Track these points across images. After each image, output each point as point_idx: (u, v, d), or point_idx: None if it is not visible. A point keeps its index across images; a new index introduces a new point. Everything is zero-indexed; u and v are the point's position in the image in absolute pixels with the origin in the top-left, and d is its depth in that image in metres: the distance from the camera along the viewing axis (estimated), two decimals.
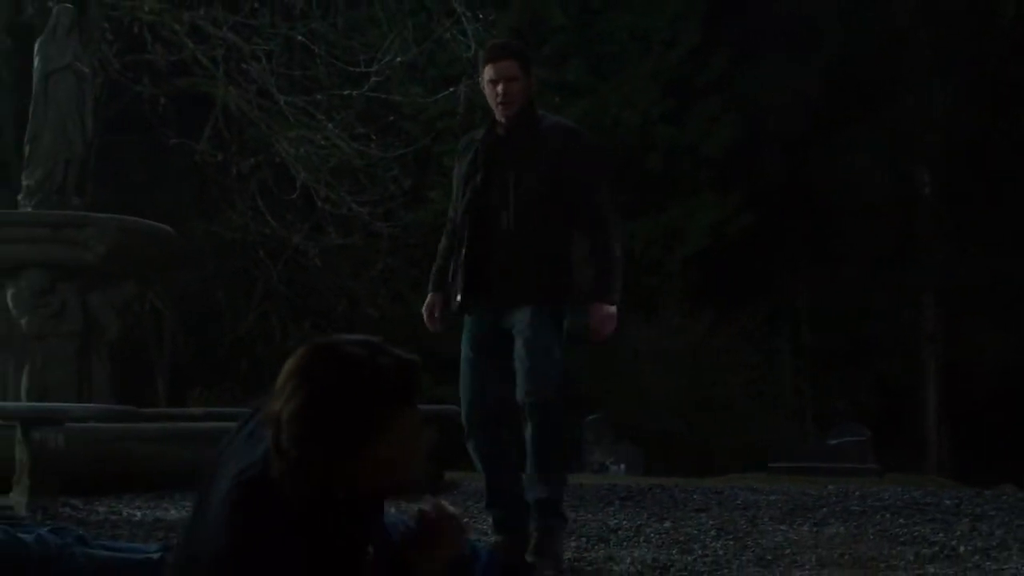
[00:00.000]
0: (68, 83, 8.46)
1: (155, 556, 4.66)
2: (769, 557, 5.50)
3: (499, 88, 5.11)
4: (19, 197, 8.60)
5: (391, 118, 15.81)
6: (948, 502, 7.47)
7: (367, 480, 2.70)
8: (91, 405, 6.53)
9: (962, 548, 5.65)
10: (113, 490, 6.89)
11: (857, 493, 8.09)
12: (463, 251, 5.17)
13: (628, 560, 5.37)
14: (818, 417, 20.61)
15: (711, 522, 6.50)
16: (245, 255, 18.03)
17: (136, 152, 17.98)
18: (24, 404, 6.74)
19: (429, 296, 5.43)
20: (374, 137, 15.64)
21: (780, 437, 18.21)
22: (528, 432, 5.05)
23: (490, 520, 5.44)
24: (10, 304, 8.04)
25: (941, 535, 6.05)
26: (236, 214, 16.99)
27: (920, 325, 22.06)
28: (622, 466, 13.84)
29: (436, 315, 5.38)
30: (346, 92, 15.43)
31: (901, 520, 6.63)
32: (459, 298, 5.18)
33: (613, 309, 5.16)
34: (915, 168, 22.18)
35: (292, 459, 2.64)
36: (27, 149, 8.58)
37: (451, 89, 16.05)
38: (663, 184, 21.12)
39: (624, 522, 6.45)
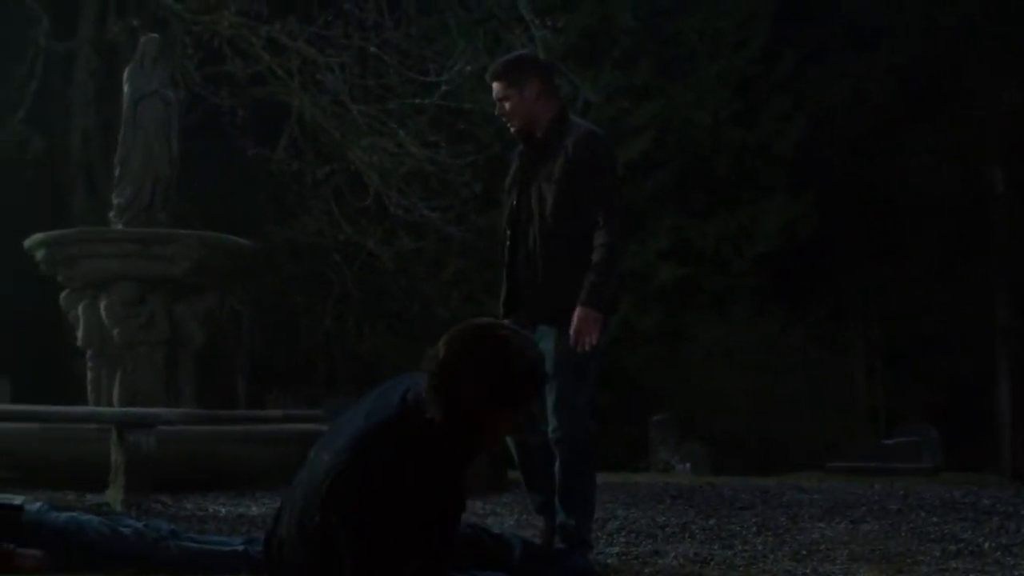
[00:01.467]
0: (155, 108, 9.02)
1: (239, 548, 5.19)
2: (804, 552, 5.86)
3: (497, 109, 5.31)
4: (110, 215, 9.17)
5: (461, 126, 16.26)
6: (986, 501, 7.77)
7: (478, 431, 3.45)
8: (180, 410, 7.05)
9: (987, 545, 5.96)
10: (199, 488, 7.42)
11: (900, 492, 8.40)
12: (505, 268, 5.34)
13: (672, 554, 5.74)
14: (887, 416, 20.76)
15: (754, 519, 6.87)
16: (320, 259, 18.58)
17: (214, 159, 18.56)
18: (119, 409, 7.27)
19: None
20: (444, 144, 16.09)
21: (847, 436, 18.41)
22: (557, 463, 5.16)
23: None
24: (103, 315, 8.60)
25: (969, 533, 6.36)
26: (311, 219, 17.55)
27: (992, 322, 22.07)
28: (688, 465, 14.10)
29: None
30: (418, 100, 15.93)
31: (935, 519, 6.95)
32: (502, 312, 5.33)
33: (599, 315, 5.02)
34: (986, 165, 22.17)
35: (443, 395, 3.39)
36: (117, 170, 9.16)
37: None
38: (732, 185, 21.35)
39: (672, 519, 6.84)
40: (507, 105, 5.23)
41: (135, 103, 9.04)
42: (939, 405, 19.99)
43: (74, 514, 5.29)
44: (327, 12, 15.28)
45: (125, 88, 9.19)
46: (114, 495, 6.68)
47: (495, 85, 5.30)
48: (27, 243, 8.98)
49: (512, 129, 5.33)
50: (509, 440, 5.32)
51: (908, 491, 8.53)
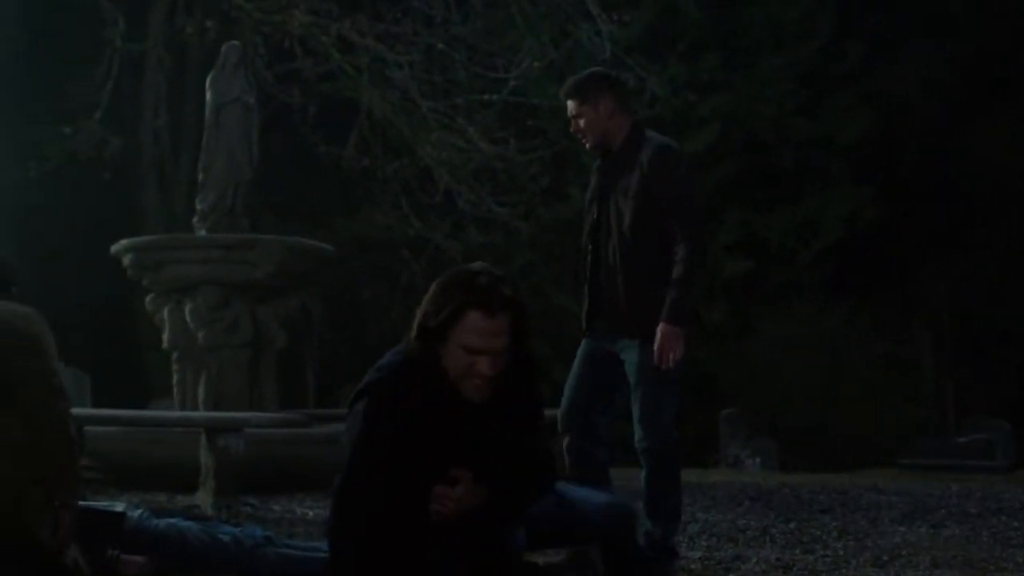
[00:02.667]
0: (236, 114, 9.19)
1: None
2: (886, 558, 5.92)
3: (572, 126, 5.46)
4: (194, 220, 9.36)
5: (529, 122, 16.34)
6: None
7: (452, 359, 3.51)
8: (268, 414, 7.20)
9: None
10: (284, 490, 7.57)
11: (978, 494, 8.41)
12: (586, 283, 5.42)
13: (754, 559, 5.83)
14: (956, 410, 20.62)
15: (834, 523, 6.94)
16: (388, 254, 18.74)
17: (283, 155, 18.77)
18: (208, 413, 7.45)
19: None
20: (511, 140, 16.18)
21: (916, 431, 18.32)
22: (643, 473, 5.29)
23: None
24: (188, 319, 8.79)
25: None
26: (380, 214, 17.72)
27: None
28: (757, 460, 14.13)
29: None
30: (485, 96, 16.05)
31: (1016, 523, 6.97)
32: (584, 325, 5.47)
33: (681, 330, 5.11)
34: None
35: (414, 330, 3.60)
36: (200, 176, 9.33)
37: None
38: (797, 176, 21.30)
39: (752, 522, 6.91)
40: (582, 122, 5.36)
41: (217, 109, 9.21)
42: (1010, 399, 19.85)
43: (173, 521, 5.43)
44: (396, 9, 15.44)
45: (208, 94, 9.36)
46: (204, 498, 6.84)
47: (569, 103, 5.43)
48: (114, 248, 9.19)
49: (587, 145, 5.45)
50: (565, 453, 5.47)
51: (986, 493, 8.53)
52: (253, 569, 5.15)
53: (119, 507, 5.39)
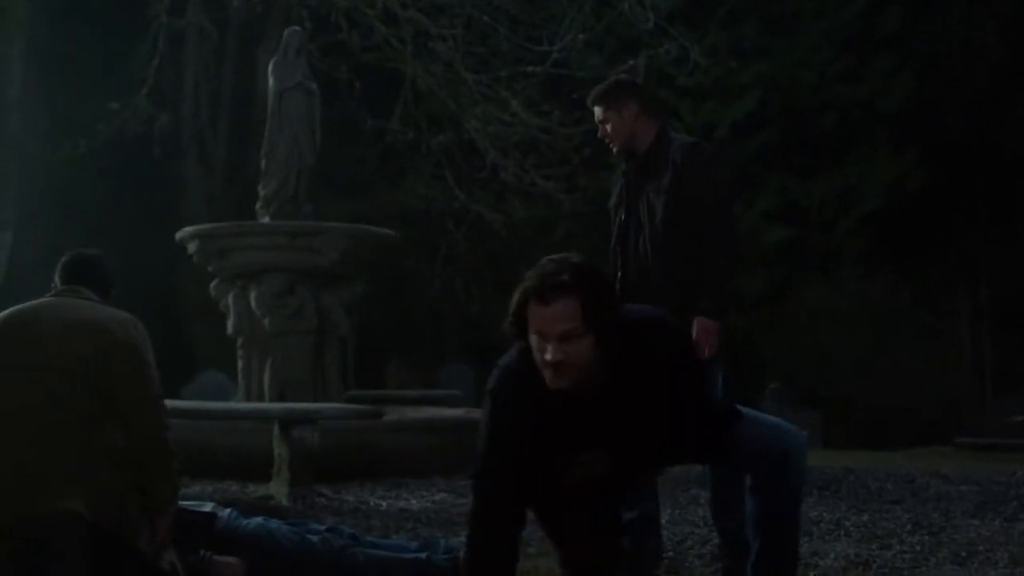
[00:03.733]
0: (299, 100, 9.20)
1: (422, 556, 5.37)
2: (963, 554, 5.93)
3: (599, 131, 5.63)
4: (257, 206, 9.39)
5: (574, 95, 16.29)
6: None
7: (533, 340, 3.60)
8: (342, 406, 7.25)
9: None
10: (354, 478, 7.64)
11: None
12: (616, 282, 5.44)
13: (832, 555, 5.86)
14: (999, 381, 20.52)
15: (906, 515, 6.95)
16: (430, 224, 18.78)
17: (328, 127, 18.78)
18: (283, 405, 7.49)
19: None
20: (556, 112, 16.16)
21: (960, 403, 18.24)
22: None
23: None
24: (253, 306, 8.83)
25: None
26: (423, 185, 17.75)
27: None
28: (804, 433, 14.06)
29: None
30: (529, 68, 16.03)
31: None
32: None
33: (715, 324, 5.16)
34: None
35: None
36: (263, 162, 9.35)
37: (630, 61, 16.53)
38: (839, 143, 21.17)
39: (825, 514, 6.93)
40: (608, 127, 5.53)
41: (280, 95, 9.23)
42: None
43: (262, 521, 5.50)
44: None
45: (270, 80, 9.37)
46: (279, 488, 6.90)
47: (596, 109, 5.61)
48: (179, 235, 9.22)
49: (614, 149, 5.60)
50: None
51: None
52: (342, 570, 5.22)
53: (207, 507, 5.46)
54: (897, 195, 20.70)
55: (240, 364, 9.01)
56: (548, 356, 3.53)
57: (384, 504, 7.05)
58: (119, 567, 4.75)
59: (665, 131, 5.49)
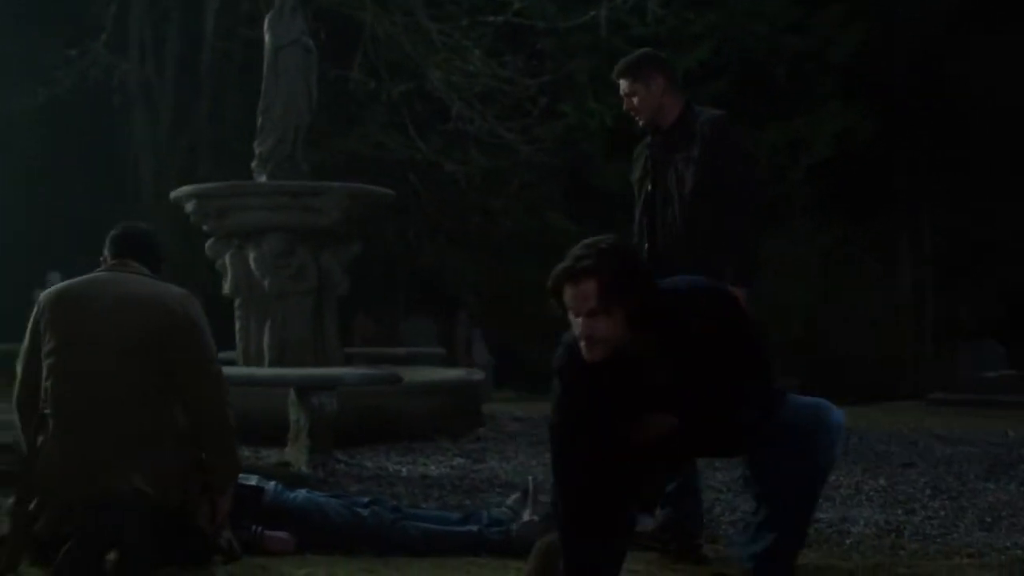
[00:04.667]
0: (296, 56, 9.02)
1: (474, 529, 5.35)
2: (988, 519, 6.03)
3: (624, 104, 5.57)
4: (252, 164, 9.22)
5: (537, 46, 16.23)
6: None
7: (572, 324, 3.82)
8: (362, 371, 7.14)
9: None
10: (367, 441, 7.60)
11: None
12: (644, 251, 5.43)
13: (861, 522, 5.92)
14: (943, 327, 20.87)
15: (922, 479, 7.06)
16: (379, 173, 18.64)
17: None
18: (301, 371, 7.37)
19: None
20: (514, 61, 16.09)
21: (913, 352, 18.53)
22: None
23: None
24: (252, 266, 8.70)
25: None
26: (380, 133, 17.59)
27: None
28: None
29: None
30: (489, 19, 15.92)
31: None
32: None
33: (744, 291, 5.13)
34: None
35: None
36: (260, 119, 9.18)
37: (591, 13, 16.52)
38: (789, 93, 21.31)
39: (842, 479, 7.00)
40: (635, 100, 5.50)
41: (276, 51, 9.04)
42: (998, 318, 20.11)
43: (309, 494, 5.44)
44: None
45: (266, 37, 9.16)
46: (297, 455, 6.84)
47: (622, 82, 5.56)
48: (175, 195, 9.03)
49: (640, 123, 5.56)
50: None
51: None
52: (394, 543, 5.18)
53: (252, 480, 5.38)
54: (846, 145, 20.91)
55: (238, 325, 8.88)
56: (579, 330, 3.81)
57: (404, 470, 7.01)
58: (183, 545, 4.71)
59: (689, 104, 5.52)
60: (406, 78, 16.05)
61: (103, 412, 4.52)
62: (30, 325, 4.73)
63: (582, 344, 3.82)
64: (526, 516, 5.46)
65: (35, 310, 4.74)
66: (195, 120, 19.08)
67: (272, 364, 8.47)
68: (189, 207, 8.87)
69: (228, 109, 19.07)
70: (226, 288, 8.95)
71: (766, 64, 21.25)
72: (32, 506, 4.56)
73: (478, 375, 9.52)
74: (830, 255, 20.05)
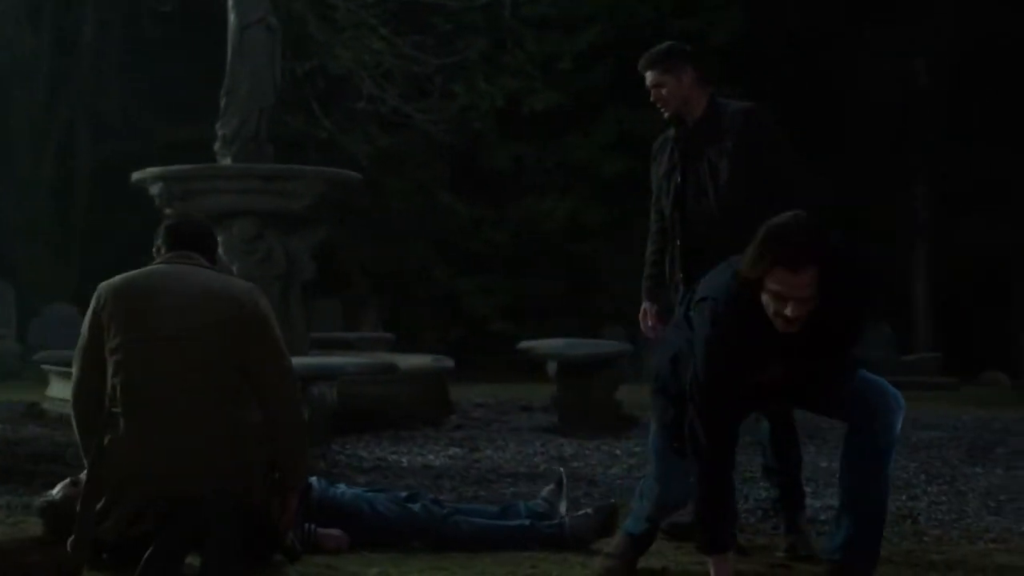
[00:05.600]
0: (261, 36, 8.79)
1: (526, 523, 5.30)
2: (992, 504, 6.22)
3: (652, 96, 5.59)
4: (215, 147, 8.96)
5: (436, 24, 16.10)
6: None
7: (765, 299, 4.04)
8: (362, 361, 7.02)
9: None
10: (354, 431, 7.48)
11: (997, 425, 8.89)
12: (677, 243, 5.49)
13: None
14: None
15: (912, 465, 7.26)
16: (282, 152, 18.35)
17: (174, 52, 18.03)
18: (302, 360, 7.20)
19: (642, 306, 5.73)
20: (412, 38, 15.99)
21: None
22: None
23: None
24: (220, 250, 8.45)
25: None
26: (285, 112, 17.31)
27: (912, 216, 22.81)
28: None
29: (651, 323, 5.68)
30: None
31: None
32: (681, 288, 5.38)
33: None
34: (915, 60, 22.68)
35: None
36: (223, 100, 8.93)
37: None
38: None
39: (835, 464, 7.14)
40: (664, 91, 5.52)
41: (241, 31, 8.80)
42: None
43: (358, 491, 5.34)
44: None
45: (230, 16, 8.92)
46: None
47: (650, 74, 5.62)
48: (138, 176, 8.73)
49: (666, 114, 5.57)
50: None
51: (1001, 420, 9.00)
52: (446, 538, 5.12)
53: None
54: None
55: None
56: (788, 312, 3.99)
57: (404, 460, 6.92)
58: (262, 545, 4.60)
59: (714, 98, 5.53)
60: (309, 56, 15.77)
61: (184, 409, 4.37)
62: (88, 319, 4.54)
63: (779, 320, 4.03)
64: (562, 508, 5.47)
65: (93, 304, 4.54)
66: (73, 94, 18.51)
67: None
68: (154, 190, 8.59)
69: (110, 82, 18.56)
70: None
71: (649, 46, 21.38)
72: (99, 507, 4.39)
73: (447, 362, 9.43)
74: None
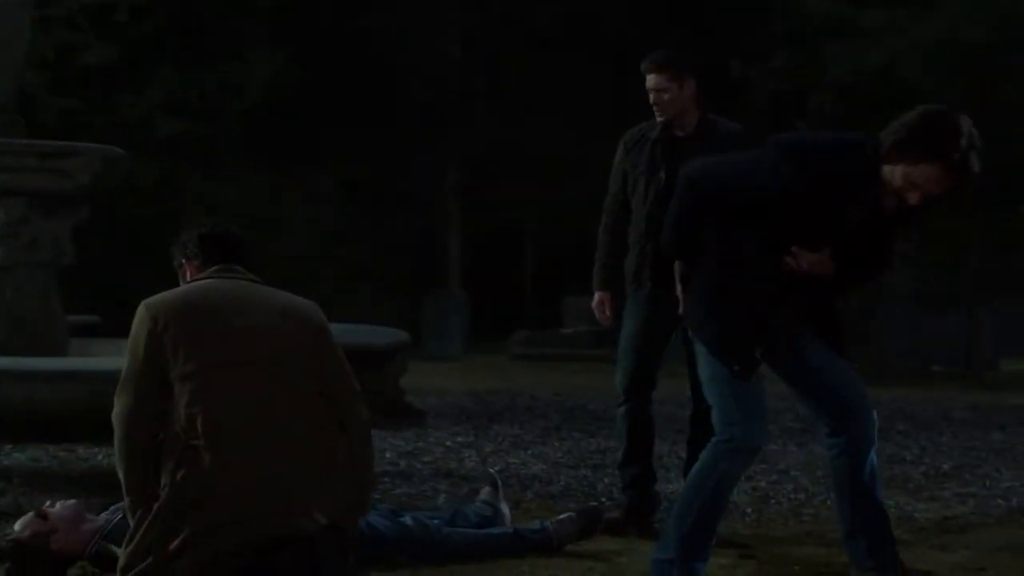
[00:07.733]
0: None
1: (509, 531, 5.36)
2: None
3: (652, 98, 5.71)
4: None
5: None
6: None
7: (896, 177, 4.24)
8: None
9: None
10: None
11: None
12: (650, 244, 5.53)
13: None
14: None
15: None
16: None
17: None
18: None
19: (597, 295, 5.88)
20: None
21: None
22: None
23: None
24: None
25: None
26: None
27: (444, 182, 23.69)
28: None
29: (608, 312, 5.87)
30: None
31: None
32: (650, 285, 5.59)
33: None
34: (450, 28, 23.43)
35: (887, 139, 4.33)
36: None
37: None
38: (220, 37, 21.11)
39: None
40: (666, 96, 5.65)
41: None
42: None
43: None
44: None
45: None
46: None
47: (655, 76, 5.69)
48: None
49: (659, 119, 5.72)
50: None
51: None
52: (440, 551, 5.08)
53: None
54: (274, 91, 20.99)
55: None
56: (914, 200, 4.23)
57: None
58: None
59: (707, 114, 5.74)
60: None
61: (278, 439, 4.07)
62: (144, 342, 4.07)
63: (892, 199, 4.25)
64: (505, 510, 5.56)
65: (148, 325, 4.07)
66: None
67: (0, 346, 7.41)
68: None
69: None
70: None
71: (200, 8, 20.85)
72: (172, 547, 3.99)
73: None
74: (263, 201, 20.19)
